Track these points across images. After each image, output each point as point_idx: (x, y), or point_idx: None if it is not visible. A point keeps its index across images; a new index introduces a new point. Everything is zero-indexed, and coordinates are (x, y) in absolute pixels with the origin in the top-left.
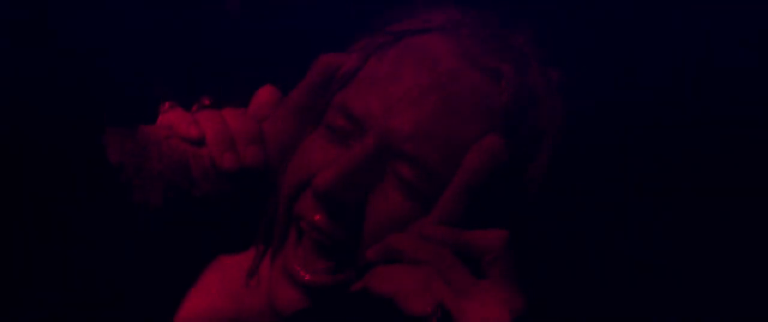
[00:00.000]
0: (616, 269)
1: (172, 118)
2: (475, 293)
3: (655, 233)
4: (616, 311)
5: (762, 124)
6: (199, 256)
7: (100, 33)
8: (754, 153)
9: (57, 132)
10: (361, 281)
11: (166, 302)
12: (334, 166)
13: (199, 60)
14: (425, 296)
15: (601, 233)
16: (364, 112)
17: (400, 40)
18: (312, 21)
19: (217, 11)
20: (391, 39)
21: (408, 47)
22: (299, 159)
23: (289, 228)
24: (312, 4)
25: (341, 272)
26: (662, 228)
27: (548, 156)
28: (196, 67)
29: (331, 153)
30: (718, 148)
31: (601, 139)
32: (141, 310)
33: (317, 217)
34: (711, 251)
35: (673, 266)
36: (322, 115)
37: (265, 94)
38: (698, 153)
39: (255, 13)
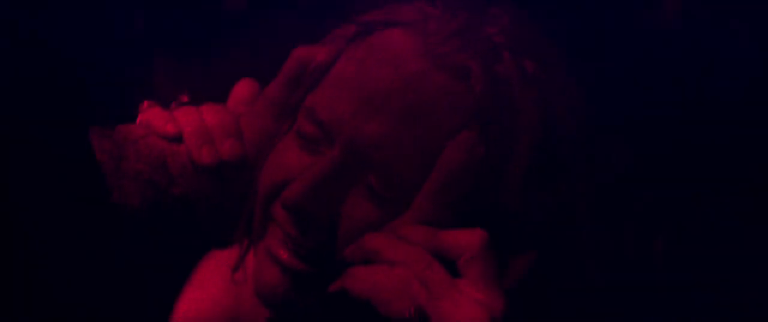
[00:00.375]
0: (601, 270)
1: (149, 117)
2: (452, 294)
3: (645, 232)
4: (600, 313)
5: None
6: (186, 253)
7: (88, 32)
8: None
9: (38, 132)
10: (338, 282)
11: (157, 300)
12: (302, 179)
13: (188, 55)
14: (403, 297)
15: (584, 233)
16: (330, 119)
17: (368, 35)
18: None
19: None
20: (360, 30)
21: (373, 47)
22: (273, 161)
23: (267, 225)
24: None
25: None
26: (653, 227)
27: (527, 151)
28: (185, 63)
29: (303, 159)
30: (711, 142)
31: (584, 132)
32: (132, 310)
33: (293, 232)
34: (705, 253)
35: (666, 268)
36: (296, 111)
37: (243, 87)
38: (690, 146)
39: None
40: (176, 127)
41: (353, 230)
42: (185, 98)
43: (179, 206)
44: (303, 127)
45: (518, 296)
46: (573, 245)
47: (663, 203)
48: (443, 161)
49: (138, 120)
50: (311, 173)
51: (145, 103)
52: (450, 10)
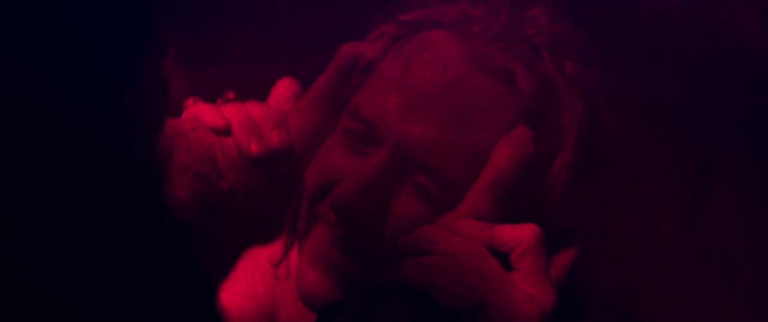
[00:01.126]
0: (647, 266)
1: (197, 111)
2: (505, 287)
3: (689, 229)
4: (646, 309)
5: None
6: (229, 248)
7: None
8: None
9: (90, 124)
10: (393, 272)
11: (199, 294)
12: (351, 180)
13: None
14: (461, 289)
15: (629, 230)
16: (378, 120)
17: (413, 35)
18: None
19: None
20: (405, 30)
21: (418, 47)
22: (319, 161)
23: (312, 224)
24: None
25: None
26: (697, 225)
27: (573, 147)
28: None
29: (349, 160)
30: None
31: (621, 130)
32: (174, 303)
33: (340, 233)
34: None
35: (708, 265)
36: (342, 108)
37: (284, 85)
38: (731, 145)
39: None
40: (225, 120)
41: (401, 229)
42: (231, 95)
43: (227, 201)
44: (350, 126)
45: (566, 287)
46: (612, 241)
47: (696, 198)
48: (494, 157)
49: (184, 115)
50: (360, 174)
51: (191, 100)
52: (491, 12)
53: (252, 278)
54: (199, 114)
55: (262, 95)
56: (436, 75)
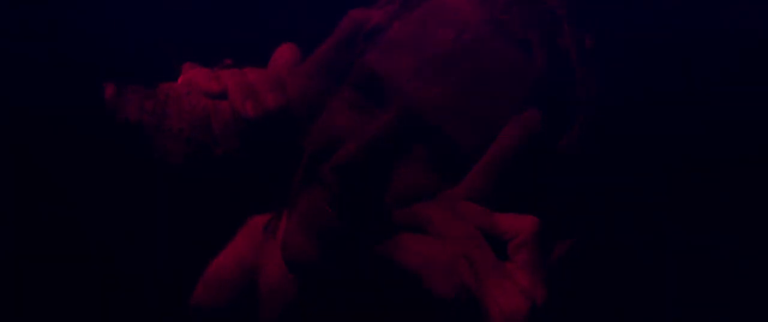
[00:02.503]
0: (653, 260)
1: (192, 76)
2: (497, 277)
3: (704, 219)
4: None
5: None
6: (228, 217)
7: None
8: None
9: (69, 91)
10: (384, 248)
11: (196, 263)
12: (354, 139)
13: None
14: (450, 276)
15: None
16: (387, 80)
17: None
18: None
19: None
20: None
21: (433, 9)
22: (322, 122)
23: (305, 188)
24: None
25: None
26: (713, 215)
27: (581, 127)
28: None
29: (354, 120)
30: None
31: (640, 112)
32: (169, 272)
33: (339, 193)
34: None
35: (726, 258)
36: (347, 73)
37: (284, 51)
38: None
39: None
40: (220, 84)
41: (402, 196)
42: (228, 61)
43: (221, 167)
44: (356, 86)
45: (560, 281)
46: (613, 231)
47: (712, 185)
48: (502, 137)
49: (179, 79)
50: (365, 133)
51: (187, 64)
52: None
53: (241, 241)
54: (194, 78)
55: (262, 63)
56: (452, 37)
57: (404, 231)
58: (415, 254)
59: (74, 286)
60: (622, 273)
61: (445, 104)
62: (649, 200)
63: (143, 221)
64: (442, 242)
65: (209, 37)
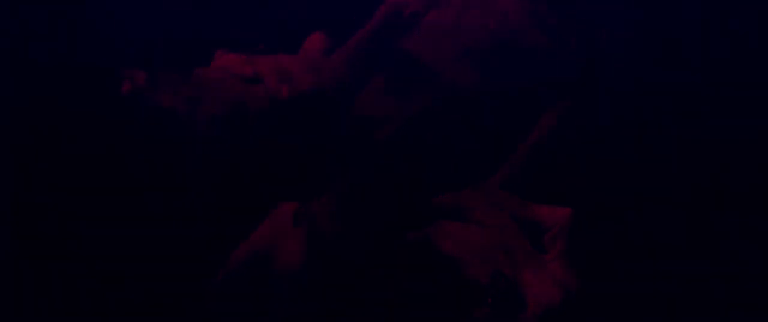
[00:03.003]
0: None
1: (226, 61)
2: (533, 266)
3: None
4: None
5: None
6: (257, 204)
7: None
8: None
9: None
10: (422, 232)
11: (222, 248)
12: (394, 121)
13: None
14: (487, 263)
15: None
16: (425, 65)
17: None
18: None
19: None
20: None
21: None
22: (361, 106)
23: (339, 171)
24: None
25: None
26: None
27: (610, 117)
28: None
29: (392, 104)
30: None
31: (673, 110)
32: (195, 255)
33: (376, 172)
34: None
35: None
36: (384, 59)
37: (316, 39)
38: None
39: None
40: (254, 69)
41: (440, 180)
42: (261, 46)
43: (256, 151)
44: (395, 71)
45: (594, 273)
46: (644, 226)
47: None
48: (540, 126)
49: (212, 65)
50: (404, 114)
51: (220, 51)
52: None
53: (267, 228)
54: (228, 64)
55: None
56: (493, 25)
57: (443, 218)
58: (454, 241)
59: (102, 268)
60: (651, 266)
61: (484, 90)
62: (680, 196)
63: (172, 208)
64: (480, 231)
65: (220, 33)
